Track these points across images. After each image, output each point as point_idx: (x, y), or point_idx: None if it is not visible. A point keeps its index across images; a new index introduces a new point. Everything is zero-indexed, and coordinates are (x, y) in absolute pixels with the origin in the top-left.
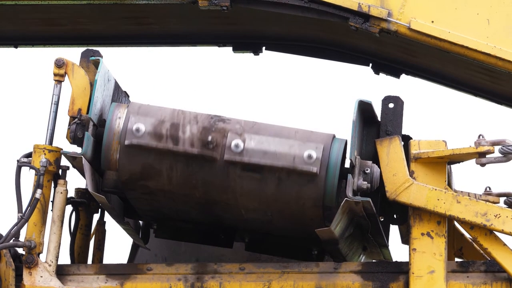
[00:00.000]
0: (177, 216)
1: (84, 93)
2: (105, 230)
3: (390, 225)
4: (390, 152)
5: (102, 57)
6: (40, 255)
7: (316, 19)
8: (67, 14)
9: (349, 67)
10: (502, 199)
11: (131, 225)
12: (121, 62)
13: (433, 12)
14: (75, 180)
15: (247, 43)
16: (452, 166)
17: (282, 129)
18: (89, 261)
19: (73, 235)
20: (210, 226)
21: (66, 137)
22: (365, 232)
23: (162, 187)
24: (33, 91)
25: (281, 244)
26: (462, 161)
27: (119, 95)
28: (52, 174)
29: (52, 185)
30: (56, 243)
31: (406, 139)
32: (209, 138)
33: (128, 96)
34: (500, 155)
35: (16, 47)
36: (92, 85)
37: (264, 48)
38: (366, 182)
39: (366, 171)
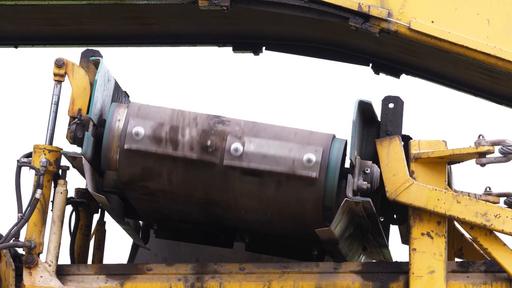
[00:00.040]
0: (177, 217)
1: (84, 93)
2: (105, 230)
3: (390, 225)
4: (390, 152)
5: (102, 57)
6: (40, 255)
7: (316, 19)
8: (67, 14)
9: (349, 67)
10: (502, 199)
11: (131, 225)
12: (121, 62)
13: (433, 12)
14: (75, 180)
15: (247, 43)
16: (452, 166)
17: (281, 131)
18: (89, 261)
19: (73, 235)
20: (210, 226)
21: (66, 137)
22: (365, 232)
23: (163, 188)
24: (33, 91)
25: (281, 244)
26: (462, 161)
27: (119, 95)
28: (52, 174)
29: (52, 185)
30: (56, 243)
31: (406, 139)
32: (208, 142)
33: (128, 96)
34: (500, 155)
35: (16, 47)
36: (92, 85)
37: (264, 48)
38: (366, 182)
39: (366, 171)
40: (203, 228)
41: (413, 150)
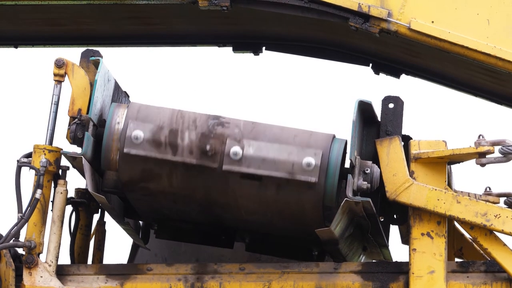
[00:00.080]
0: (178, 217)
1: (84, 93)
2: (105, 230)
3: (390, 225)
4: (390, 152)
5: (102, 57)
6: (40, 255)
7: (316, 19)
8: (67, 14)
9: (349, 67)
10: (502, 199)
11: (131, 225)
12: (121, 62)
13: (433, 12)
14: (75, 180)
15: (247, 43)
16: (452, 166)
17: (281, 133)
18: (89, 261)
19: (73, 235)
20: (210, 226)
21: (66, 137)
22: (365, 232)
23: (163, 189)
24: (33, 91)
25: (281, 244)
26: (462, 161)
27: (119, 95)
28: (52, 174)
29: (52, 185)
30: (56, 243)
31: (406, 139)
32: (208, 147)
33: (128, 96)
34: (500, 155)
35: (16, 47)
36: (92, 85)
37: (264, 48)
38: (366, 182)
39: (366, 171)
40: (204, 228)
41: (413, 150)
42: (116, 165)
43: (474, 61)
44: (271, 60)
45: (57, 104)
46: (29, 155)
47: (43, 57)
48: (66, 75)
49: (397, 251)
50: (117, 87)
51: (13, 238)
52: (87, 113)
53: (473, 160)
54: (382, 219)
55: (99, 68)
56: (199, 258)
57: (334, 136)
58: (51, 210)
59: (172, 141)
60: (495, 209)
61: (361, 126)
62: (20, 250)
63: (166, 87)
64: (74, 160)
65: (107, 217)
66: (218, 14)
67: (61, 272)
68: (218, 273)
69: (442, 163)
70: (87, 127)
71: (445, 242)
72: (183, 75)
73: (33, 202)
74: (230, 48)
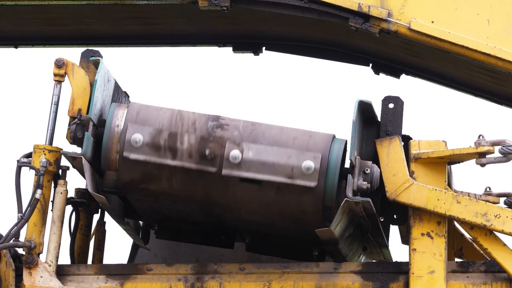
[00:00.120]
0: (178, 217)
1: (84, 93)
2: (105, 230)
3: (390, 225)
4: (390, 152)
5: (102, 57)
6: (40, 255)
7: (316, 20)
8: (67, 14)
9: (349, 67)
10: (502, 199)
11: (131, 225)
12: (121, 62)
13: (433, 12)
14: (75, 180)
15: (247, 43)
16: (452, 166)
17: (281, 134)
18: (89, 261)
19: (73, 235)
20: (210, 226)
21: (66, 137)
22: (365, 232)
23: (163, 190)
24: (33, 91)
25: (281, 244)
26: (462, 161)
27: (119, 95)
28: (52, 174)
29: (52, 185)
30: (56, 243)
31: (406, 139)
32: (207, 151)
33: (128, 97)
34: (500, 155)
35: (16, 47)
36: (92, 85)
37: (264, 48)
38: (366, 182)
39: (366, 171)
40: (204, 229)
41: (413, 150)
42: (116, 165)
43: (474, 61)
44: (271, 60)
45: (57, 104)
46: (29, 155)
47: (43, 57)
48: (66, 75)
49: (397, 251)
50: (117, 87)
51: (13, 238)
52: (87, 113)
53: (473, 160)
54: (382, 219)
55: (99, 68)
56: (199, 258)
57: (334, 136)
58: (51, 210)
59: (171, 145)
60: (495, 209)
61: (361, 126)
62: (20, 250)
63: (166, 87)
64: (74, 160)
65: (107, 217)
66: (218, 14)
67: (61, 272)
68: (218, 273)
69: (442, 163)
70: (87, 127)
71: (445, 242)
72: (183, 75)
73: (33, 202)
74: (230, 48)
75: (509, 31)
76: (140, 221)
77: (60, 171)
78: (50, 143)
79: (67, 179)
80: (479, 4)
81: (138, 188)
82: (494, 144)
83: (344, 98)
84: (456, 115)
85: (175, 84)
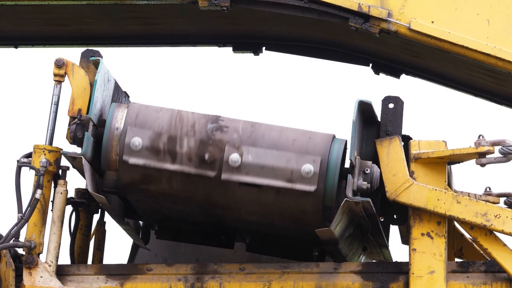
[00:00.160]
0: (178, 217)
1: (84, 93)
2: (105, 230)
3: (390, 225)
4: (390, 152)
5: (102, 57)
6: (40, 255)
7: (316, 20)
8: (67, 14)
9: (349, 67)
10: (502, 199)
11: (131, 225)
12: (121, 62)
13: (433, 12)
14: (75, 180)
15: (247, 43)
16: (452, 166)
17: (280, 136)
18: (89, 261)
19: (73, 235)
20: (211, 226)
21: (66, 137)
22: (365, 232)
23: (163, 191)
24: (33, 91)
25: (281, 244)
26: (462, 161)
27: (119, 95)
28: (52, 175)
29: (52, 185)
30: (56, 243)
31: (406, 139)
32: (206, 155)
33: (128, 97)
34: (500, 155)
35: (16, 47)
36: (92, 85)
37: (264, 48)
38: (366, 182)
39: (366, 171)
40: (204, 229)
41: (413, 150)
42: (116, 165)
43: (474, 61)
44: (271, 60)
45: (57, 104)
46: (29, 155)
47: (43, 57)
48: (66, 75)
49: (397, 251)
50: (117, 87)
51: (13, 238)
52: (87, 113)
53: (473, 160)
54: (382, 219)
55: (99, 68)
56: (199, 258)
57: (334, 136)
58: (51, 210)
59: (170, 149)
60: (495, 209)
61: (361, 126)
62: (20, 250)
63: (166, 87)
64: (74, 160)
65: (107, 217)
66: (218, 14)
67: (61, 272)
68: (218, 273)
69: (442, 163)
70: (87, 127)
71: (445, 242)
72: (183, 75)
73: (33, 202)
74: (230, 48)
75: (509, 31)
76: (140, 221)
77: (60, 171)
78: (50, 143)
79: (67, 179)
80: (479, 4)
81: (138, 189)
82: (494, 144)
83: (344, 98)
84: (456, 115)
85: (175, 84)
